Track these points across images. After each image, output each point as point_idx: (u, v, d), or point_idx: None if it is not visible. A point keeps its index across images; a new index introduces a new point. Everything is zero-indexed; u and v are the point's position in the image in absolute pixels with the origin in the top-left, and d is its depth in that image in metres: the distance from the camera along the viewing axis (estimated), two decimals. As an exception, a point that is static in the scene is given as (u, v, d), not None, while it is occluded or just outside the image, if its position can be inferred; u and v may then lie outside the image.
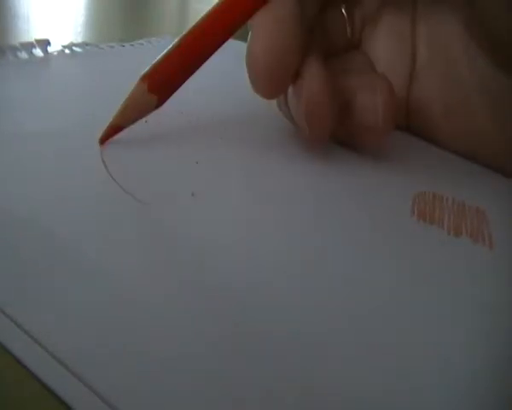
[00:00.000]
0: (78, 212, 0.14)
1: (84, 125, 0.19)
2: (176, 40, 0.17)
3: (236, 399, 0.10)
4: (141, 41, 0.30)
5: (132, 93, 0.17)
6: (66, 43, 0.26)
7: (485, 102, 0.21)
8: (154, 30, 0.38)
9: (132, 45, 0.29)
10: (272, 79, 0.17)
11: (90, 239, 0.13)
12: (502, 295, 0.15)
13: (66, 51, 0.25)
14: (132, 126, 0.18)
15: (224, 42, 0.17)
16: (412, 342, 0.12)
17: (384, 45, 0.22)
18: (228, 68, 0.20)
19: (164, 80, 0.17)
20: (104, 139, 0.17)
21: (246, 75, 0.17)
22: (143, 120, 0.20)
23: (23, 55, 0.23)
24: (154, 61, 0.17)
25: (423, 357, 0.12)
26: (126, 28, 0.36)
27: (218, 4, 0.17)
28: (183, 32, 0.17)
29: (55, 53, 0.25)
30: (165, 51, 0.17)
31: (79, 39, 0.28)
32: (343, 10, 0.22)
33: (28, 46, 0.24)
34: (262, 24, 0.16)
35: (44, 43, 0.24)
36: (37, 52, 0.24)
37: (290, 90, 0.18)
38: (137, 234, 0.14)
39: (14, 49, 0.23)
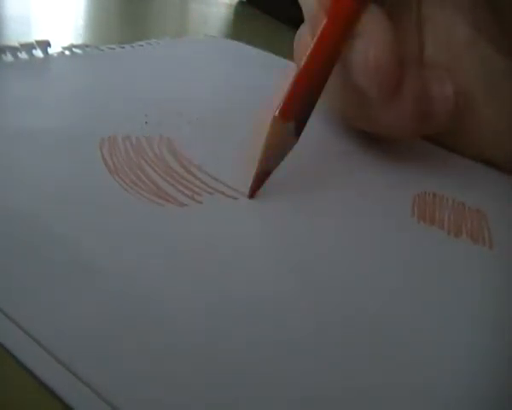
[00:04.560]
0: (78, 210, 0.14)
1: (84, 125, 0.19)
2: (296, 69, 0.17)
3: (236, 398, 0.10)
4: (141, 43, 0.30)
5: (270, 132, 0.16)
6: (66, 44, 0.26)
7: (490, 95, 0.21)
8: (153, 31, 0.38)
9: (132, 47, 0.29)
10: (392, 81, 0.18)
11: (89, 238, 0.13)
12: (502, 295, 0.15)
13: (67, 53, 0.25)
14: (134, 129, 0.18)
15: (340, 53, 0.18)
16: (412, 342, 0.12)
17: None
18: (226, 68, 0.20)
19: (295, 104, 0.17)
20: (255, 190, 0.16)
21: (245, 75, 0.17)
22: (144, 120, 0.20)
23: (23, 55, 0.23)
24: (281, 98, 0.17)
25: (423, 357, 0.12)
26: (126, 30, 0.36)
27: (326, 22, 0.18)
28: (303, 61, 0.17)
29: (55, 54, 0.25)
30: (292, 82, 0.17)
31: (79, 41, 0.28)
32: None
33: (28, 47, 0.24)
34: (376, 33, 0.17)
35: (44, 45, 0.24)
36: (38, 53, 0.24)
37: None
38: (138, 232, 0.14)
39: (15, 49, 0.23)
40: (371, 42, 0.17)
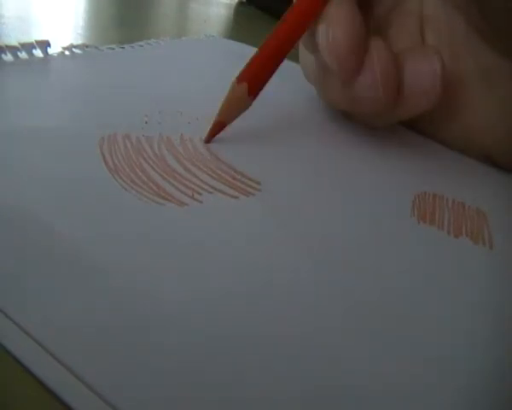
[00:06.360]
0: (77, 210, 0.14)
1: (84, 125, 0.19)
2: (262, 44, 0.20)
3: (237, 398, 0.10)
4: (140, 43, 0.30)
5: (228, 91, 0.19)
6: (66, 44, 0.26)
7: (486, 93, 0.21)
8: (153, 31, 0.38)
9: (132, 47, 0.29)
10: (352, 59, 0.19)
11: (89, 237, 0.13)
12: (502, 296, 0.15)
13: (66, 53, 0.25)
14: (134, 128, 0.18)
15: (298, 36, 0.20)
16: (412, 343, 0.12)
17: (396, 44, 0.22)
18: (226, 68, 0.20)
19: (250, 71, 0.20)
20: (211, 137, 0.19)
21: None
22: (144, 120, 0.20)
23: (23, 55, 0.23)
24: (247, 64, 0.20)
25: (423, 357, 0.12)
26: (126, 30, 0.36)
27: (293, 6, 0.20)
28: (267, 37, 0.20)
29: (55, 54, 0.25)
30: (254, 55, 0.20)
31: (79, 41, 0.28)
32: None
33: (28, 47, 0.24)
34: (338, 14, 0.19)
35: (44, 45, 0.24)
36: (38, 53, 0.24)
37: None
38: (138, 231, 0.14)
39: (15, 49, 0.23)
40: (332, 25, 0.19)
